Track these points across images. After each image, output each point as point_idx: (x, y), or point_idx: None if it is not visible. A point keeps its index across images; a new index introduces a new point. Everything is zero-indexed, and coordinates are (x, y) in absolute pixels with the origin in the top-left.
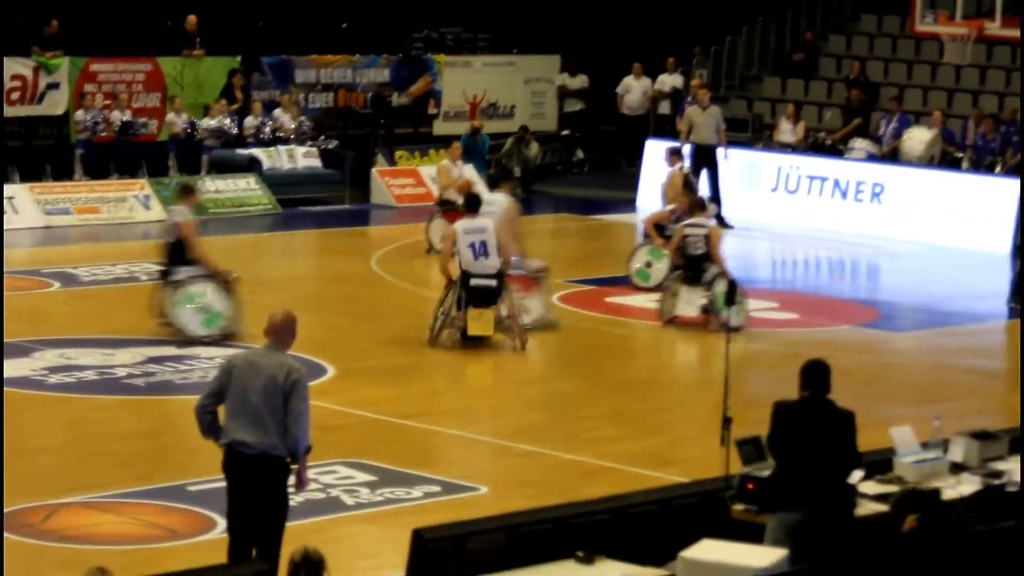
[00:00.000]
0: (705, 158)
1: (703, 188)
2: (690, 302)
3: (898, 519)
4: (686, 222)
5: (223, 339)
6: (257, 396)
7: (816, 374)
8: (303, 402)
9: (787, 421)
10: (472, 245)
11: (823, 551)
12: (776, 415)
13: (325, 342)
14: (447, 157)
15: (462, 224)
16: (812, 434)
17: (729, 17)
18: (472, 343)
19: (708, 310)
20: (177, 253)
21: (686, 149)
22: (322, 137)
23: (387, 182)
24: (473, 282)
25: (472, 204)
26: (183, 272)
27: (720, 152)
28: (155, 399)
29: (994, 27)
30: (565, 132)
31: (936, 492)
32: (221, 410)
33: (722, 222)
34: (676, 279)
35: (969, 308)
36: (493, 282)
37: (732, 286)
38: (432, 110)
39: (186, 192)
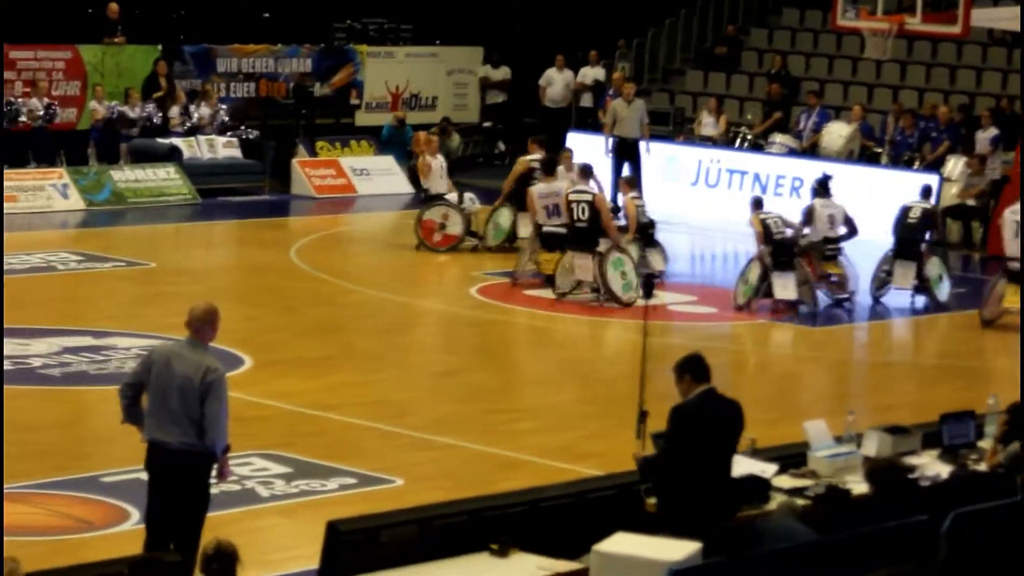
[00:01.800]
0: (629, 152)
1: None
2: (785, 287)
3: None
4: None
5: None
6: (174, 396)
7: (705, 367)
8: (219, 403)
9: (692, 422)
10: (546, 207)
11: (734, 545)
12: (679, 419)
13: (243, 333)
14: (426, 152)
15: (538, 188)
16: (715, 429)
17: (651, 10)
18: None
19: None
20: (594, 226)
21: (610, 142)
22: (243, 127)
23: (308, 173)
24: (545, 230)
25: (549, 167)
26: (603, 243)
27: (643, 146)
28: (70, 390)
29: (915, 22)
30: (487, 124)
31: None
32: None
33: None
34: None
35: (886, 303)
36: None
37: (649, 280)
38: (354, 101)
39: (587, 171)
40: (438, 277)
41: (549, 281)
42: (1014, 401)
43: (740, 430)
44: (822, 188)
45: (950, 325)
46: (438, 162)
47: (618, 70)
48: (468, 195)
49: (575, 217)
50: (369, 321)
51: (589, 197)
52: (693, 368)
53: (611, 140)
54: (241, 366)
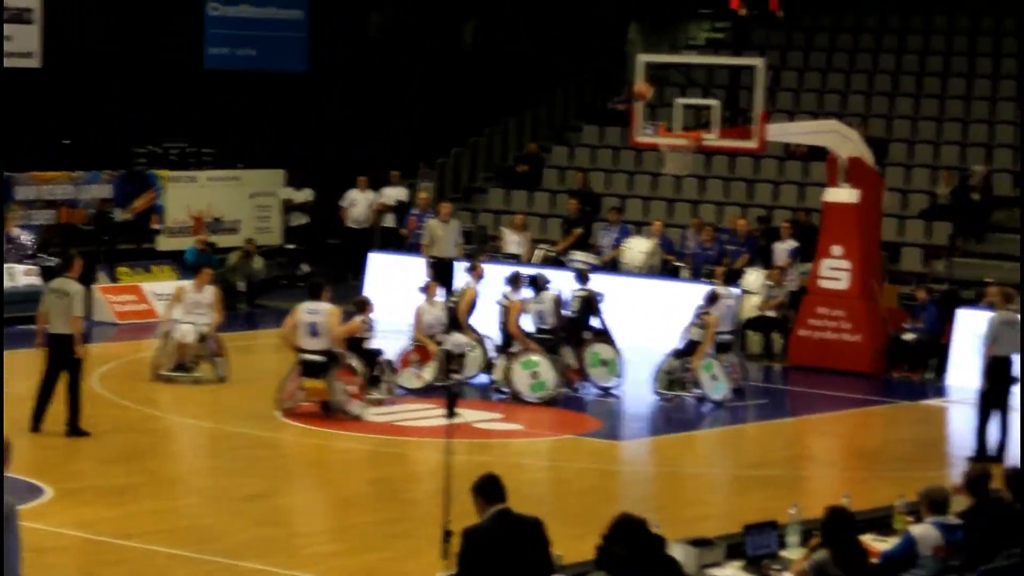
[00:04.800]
0: (444, 272)
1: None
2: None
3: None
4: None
5: (545, 404)
6: None
7: (498, 487)
8: (10, 537)
9: (485, 544)
10: (309, 324)
11: None
12: (470, 542)
13: (44, 463)
14: (196, 283)
15: (303, 305)
16: (509, 549)
17: (453, 129)
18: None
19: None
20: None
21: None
22: (43, 255)
23: (109, 299)
24: (304, 357)
25: (315, 291)
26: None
27: (457, 266)
28: None
29: (712, 138)
30: (290, 246)
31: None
32: None
33: None
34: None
35: (691, 416)
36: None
37: (452, 396)
38: (156, 226)
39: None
40: (242, 401)
41: (324, 408)
42: (833, 504)
43: (542, 547)
44: (533, 286)
45: (757, 434)
46: (195, 296)
47: (421, 190)
48: (182, 327)
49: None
50: (173, 447)
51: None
52: (484, 489)
53: (428, 260)
54: (41, 496)
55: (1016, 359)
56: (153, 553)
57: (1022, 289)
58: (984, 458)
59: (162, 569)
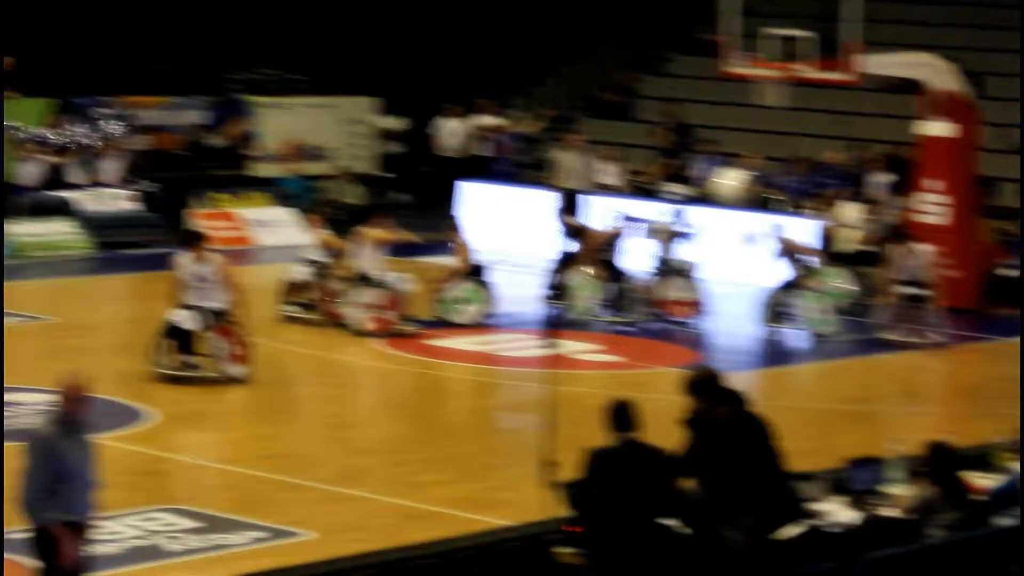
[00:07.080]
0: (573, 203)
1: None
2: None
3: None
4: None
5: None
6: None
7: (625, 415)
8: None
9: (605, 466)
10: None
11: None
12: (592, 462)
13: (147, 387)
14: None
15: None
16: (630, 476)
17: (545, 59)
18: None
19: None
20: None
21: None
22: (139, 180)
23: (204, 225)
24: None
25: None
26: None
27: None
28: None
29: (805, 70)
30: (385, 174)
31: None
32: None
33: None
34: None
35: (791, 350)
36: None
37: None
38: (250, 152)
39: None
40: (340, 328)
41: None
42: (933, 440)
43: (662, 479)
44: None
45: (856, 369)
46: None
47: (513, 118)
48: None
49: None
50: (275, 374)
51: None
52: (615, 415)
53: (559, 193)
54: (145, 420)
55: None
56: (256, 478)
57: None
58: None
59: (266, 494)
